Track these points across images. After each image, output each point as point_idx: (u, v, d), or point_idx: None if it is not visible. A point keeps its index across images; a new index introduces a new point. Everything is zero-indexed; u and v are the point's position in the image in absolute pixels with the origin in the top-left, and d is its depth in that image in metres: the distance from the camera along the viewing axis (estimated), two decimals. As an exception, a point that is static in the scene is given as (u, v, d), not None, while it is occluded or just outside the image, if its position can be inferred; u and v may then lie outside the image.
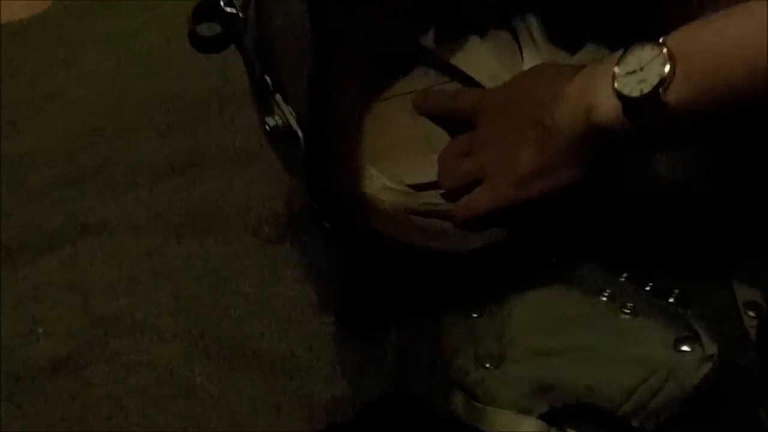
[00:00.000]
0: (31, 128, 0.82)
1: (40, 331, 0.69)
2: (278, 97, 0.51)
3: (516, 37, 0.70)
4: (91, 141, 0.79)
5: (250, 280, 0.71)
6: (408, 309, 0.65)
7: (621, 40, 0.50)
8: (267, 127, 0.52)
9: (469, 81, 0.70)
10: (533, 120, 0.55)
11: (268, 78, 0.52)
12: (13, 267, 0.73)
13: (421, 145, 0.70)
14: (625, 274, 0.61)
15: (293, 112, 0.51)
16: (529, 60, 0.68)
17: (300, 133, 0.50)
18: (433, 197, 0.65)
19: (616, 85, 0.47)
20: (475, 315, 0.62)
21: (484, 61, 0.69)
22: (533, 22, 0.68)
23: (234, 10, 0.54)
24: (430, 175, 0.67)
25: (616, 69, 0.48)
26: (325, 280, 0.69)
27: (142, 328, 0.68)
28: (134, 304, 0.70)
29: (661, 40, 0.46)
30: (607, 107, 0.48)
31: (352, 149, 0.66)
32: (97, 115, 0.81)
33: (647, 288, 0.59)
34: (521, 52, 0.69)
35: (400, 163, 0.68)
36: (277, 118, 0.52)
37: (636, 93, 0.45)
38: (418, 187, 0.67)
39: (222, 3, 0.55)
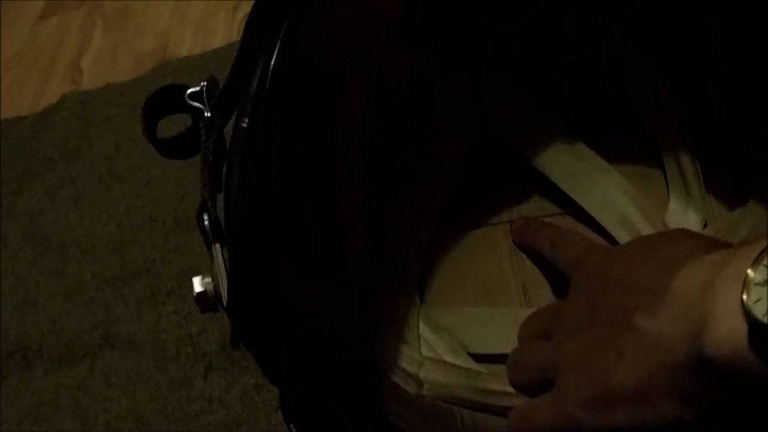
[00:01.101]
0: (92, 210, 0.75)
1: (26, 465, 0.61)
2: (217, 247, 0.34)
3: (663, 173, 0.49)
4: (146, 233, 0.71)
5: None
6: None
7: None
8: (194, 293, 0.34)
9: (593, 222, 0.49)
10: (630, 315, 0.34)
11: (206, 216, 0.34)
12: (28, 376, 0.67)
13: (511, 294, 0.50)
14: None
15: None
16: (676, 210, 0.47)
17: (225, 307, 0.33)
18: (500, 380, 0.44)
19: (745, 298, 0.27)
20: None
21: (613, 198, 0.48)
22: (685, 157, 0.47)
23: (200, 105, 0.38)
24: (511, 341, 0.46)
25: (750, 272, 0.27)
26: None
27: (131, 484, 0.58)
28: (133, 449, 0.60)
29: None
30: (727, 329, 0.28)
31: (393, 309, 0.47)
32: (161, 202, 0.73)
33: None
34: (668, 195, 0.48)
35: (471, 320, 0.49)
36: (207, 281, 0.34)
37: None
38: (486, 359, 0.46)
39: (188, 94, 0.38)
